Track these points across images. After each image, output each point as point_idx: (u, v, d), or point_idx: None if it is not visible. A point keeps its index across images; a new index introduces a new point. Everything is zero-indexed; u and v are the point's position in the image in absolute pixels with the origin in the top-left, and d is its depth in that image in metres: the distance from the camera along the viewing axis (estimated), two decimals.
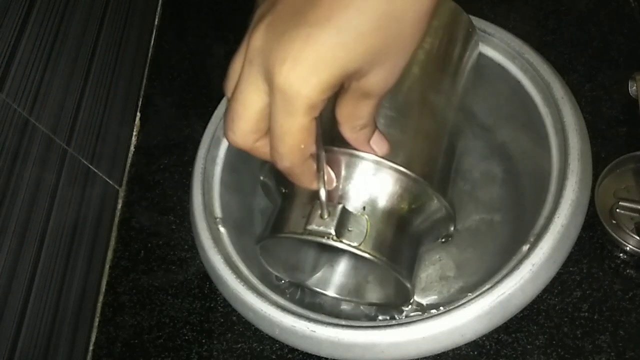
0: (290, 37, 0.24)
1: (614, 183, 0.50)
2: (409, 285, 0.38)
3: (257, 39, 0.26)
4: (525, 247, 0.38)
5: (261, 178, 0.42)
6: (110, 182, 0.58)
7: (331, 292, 0.46)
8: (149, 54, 0.68)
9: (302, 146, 0.27)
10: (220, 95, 0.49)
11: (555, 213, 0.37)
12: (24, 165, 0.45)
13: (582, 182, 0.38)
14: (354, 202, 0.36)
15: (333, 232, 0.34)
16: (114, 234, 0.57)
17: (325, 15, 0.24)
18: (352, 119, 0.29)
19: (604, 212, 0.48)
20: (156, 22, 0.70)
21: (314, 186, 0.32)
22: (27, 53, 0.46)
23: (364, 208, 0.36)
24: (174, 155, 0.61)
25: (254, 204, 0.51)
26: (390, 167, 0.36)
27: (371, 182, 0.36)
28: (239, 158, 0.48)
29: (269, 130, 0.27)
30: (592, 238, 0.48)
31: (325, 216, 0.34)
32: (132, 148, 0.62)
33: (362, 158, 0.36)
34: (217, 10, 0.70)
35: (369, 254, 0.35)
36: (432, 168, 0.39)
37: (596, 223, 0.48)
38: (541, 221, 0.39)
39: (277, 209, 0.39)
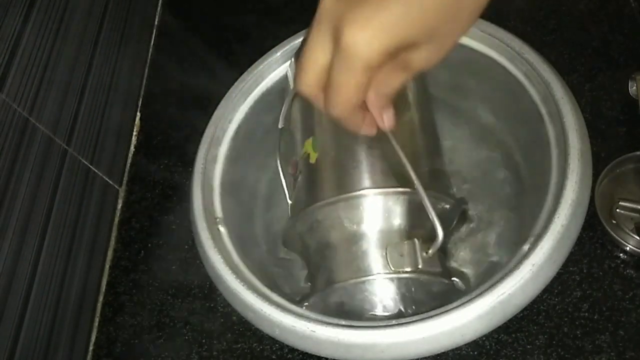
0: (365, 1, 0.26)
1: (614, 183, 0.50)
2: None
3: (327, 0, 0.28)
4: (525, 247, 0.38)
5: (296, 228, 0.44)
6: (110, 182, 0.58)
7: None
8: (149, 54, 0.68)
9: (354, 100, 0.30)
10: (220, 95, 0.49)
11: (555, 213, 0.37)
12: (24, 165, 0.45)
13: (582, 182, 0.38)
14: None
15: (441, 269, 0.38)
16: (114, 234, 0.57)
17: None
18: (381, 85, 0.31)
19: (604, 212, 0.48)
20: (156, 23, 0.70)
21: (362, 132, 0.34)
22: (27, 53, 0.46)
23: (440, 248, 0.38)
24: (174, 155, 0.61)
25: (254, 204, 0.51)
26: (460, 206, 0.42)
27: (445, 222, 0.40)
28: (239, 158, 0.48)
29: (326, 81, 0.30)
30: (592, 238, 0.48)
31: (429, 253, 0.38)
32: (132, 148, 0.62)
33: (444, 200, 0.41)
34: (217, 10, 0.70)
35: (454, 284, 0.40)
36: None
37: (596, 223, 0.48)
38: (541, 221, 0.39)
39: (354, 246, 0.40)
